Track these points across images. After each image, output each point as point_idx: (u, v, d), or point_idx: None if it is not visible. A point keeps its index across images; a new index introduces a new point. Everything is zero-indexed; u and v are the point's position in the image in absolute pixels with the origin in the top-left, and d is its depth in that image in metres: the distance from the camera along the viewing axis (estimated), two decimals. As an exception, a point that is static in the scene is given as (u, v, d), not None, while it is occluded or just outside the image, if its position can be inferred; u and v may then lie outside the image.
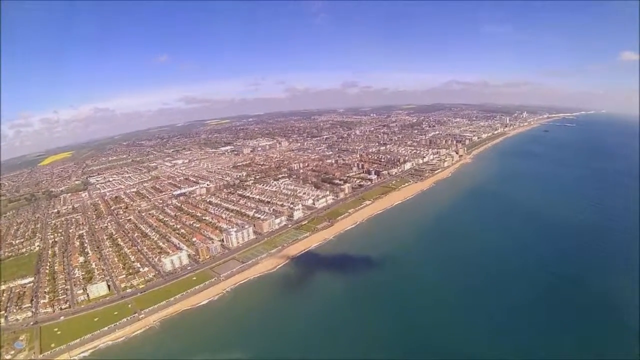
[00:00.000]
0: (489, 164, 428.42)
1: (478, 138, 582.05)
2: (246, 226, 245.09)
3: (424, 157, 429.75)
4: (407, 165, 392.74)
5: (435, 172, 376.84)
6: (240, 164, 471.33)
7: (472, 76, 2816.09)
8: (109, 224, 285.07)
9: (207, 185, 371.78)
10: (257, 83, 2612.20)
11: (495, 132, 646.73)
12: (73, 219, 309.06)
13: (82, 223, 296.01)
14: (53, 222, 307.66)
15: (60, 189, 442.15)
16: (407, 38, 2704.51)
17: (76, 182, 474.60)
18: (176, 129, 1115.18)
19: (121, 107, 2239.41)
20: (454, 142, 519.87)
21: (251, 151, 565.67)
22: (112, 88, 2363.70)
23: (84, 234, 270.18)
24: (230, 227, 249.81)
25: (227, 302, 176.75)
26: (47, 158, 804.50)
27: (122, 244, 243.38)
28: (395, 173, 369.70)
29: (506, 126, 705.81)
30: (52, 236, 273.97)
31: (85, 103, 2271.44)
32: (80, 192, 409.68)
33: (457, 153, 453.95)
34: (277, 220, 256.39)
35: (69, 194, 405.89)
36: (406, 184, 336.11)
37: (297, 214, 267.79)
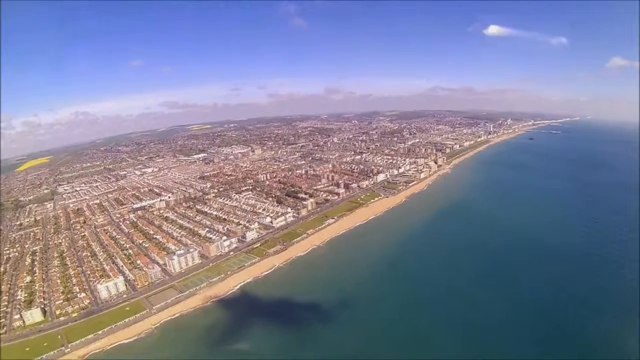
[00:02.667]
0: (470, 175, 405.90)
1: (460, 146, 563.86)
2: (191, 250, 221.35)
3: (400, 167, 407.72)
4: (381, 177, 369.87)
5: (410, 184, 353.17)
6: (208, 173, 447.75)
7: (457, 82, 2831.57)
8: (63, 239, 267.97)
9: (168, 198, 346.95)
10: (238, 88, 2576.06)
11: (479, 140, 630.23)
12: (32, 233, 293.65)
13: (39, 238, 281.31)
14: (13, 235, 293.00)
15: (29, 198, 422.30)
16: (391, 43, 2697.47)
17: (45, 191, 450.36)
18: (157, 134, 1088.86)
19: (103, 110, 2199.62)
20: (434, 150, 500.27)
21: (223, 159, 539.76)
22: (93, 92, 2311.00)
23: (38, 250, 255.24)
24: (177, 248, 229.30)
25: (154, 341, 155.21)
26: (26, 163, 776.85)
27: (69, 263, 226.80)
28: (367, 186, 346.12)
29: (490, 133, 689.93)
30: (8, 251, 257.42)
31: (66, 107, 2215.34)
32: (46, 203, 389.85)
33: (435, 163, 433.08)
34: (227, 243, 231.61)
35: (35, 205, 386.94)
36: (376, 199, 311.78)
37: (251, 235, 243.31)
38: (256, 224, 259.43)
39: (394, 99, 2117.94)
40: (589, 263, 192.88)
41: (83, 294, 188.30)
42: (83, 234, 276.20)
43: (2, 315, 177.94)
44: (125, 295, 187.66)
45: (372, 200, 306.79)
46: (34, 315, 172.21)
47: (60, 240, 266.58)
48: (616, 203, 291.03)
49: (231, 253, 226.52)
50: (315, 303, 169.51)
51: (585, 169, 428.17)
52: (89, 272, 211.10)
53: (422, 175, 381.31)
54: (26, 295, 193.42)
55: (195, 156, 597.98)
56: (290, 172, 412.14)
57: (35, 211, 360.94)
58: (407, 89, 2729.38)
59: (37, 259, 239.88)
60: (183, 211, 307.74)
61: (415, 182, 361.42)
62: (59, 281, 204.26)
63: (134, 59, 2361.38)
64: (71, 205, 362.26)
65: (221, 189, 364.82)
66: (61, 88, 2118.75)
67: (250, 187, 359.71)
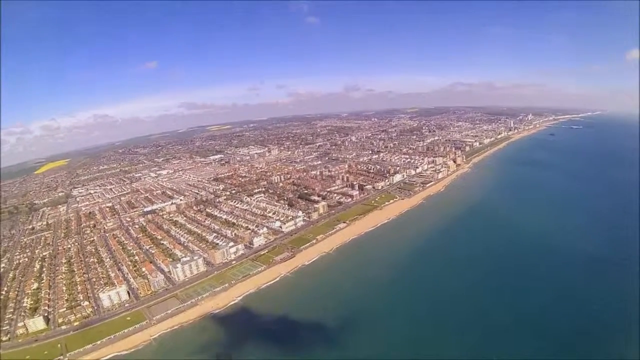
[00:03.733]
0: (489, 175, 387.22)
1: (480, 144, 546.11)
2: (195, 257, 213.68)
3: (418, 167, 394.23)
4: (397, 178, 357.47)
5: (428, 185, 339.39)
6: (223, 175, 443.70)
7: (476, 78, 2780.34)
8: (72, 244, 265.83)
9: (179, 201, 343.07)
10: (256, 88, 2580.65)
11: (499, 137, 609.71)
12: (42, 238, 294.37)
13: (50, 243, 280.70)
14: (25, 239, 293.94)
15: (43, 201, 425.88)
16: (409, 39, 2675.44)
17: (60, 194, 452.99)
18: (176, 135, 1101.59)
19: (122, 113, 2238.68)
20: (453, 149, 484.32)
21: (239, 161, 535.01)
22: (110, 95, 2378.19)
23: (47, 255, 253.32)
24: (183, 255, 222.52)
25: (150, 353, 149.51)
26: (44, 166, 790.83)
27: (76, 270, 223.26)
28: (382, 187, 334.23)
29: (510, 130, 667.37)
30: (19, 256, 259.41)
31: (83, 110, 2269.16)
32: (59, 206, 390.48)
33: (454, 162, 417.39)
34: (233, 250, 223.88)
35: (49, 208, 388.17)
36: (391, 201, 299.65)
37: (258, 241, 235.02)
38: (265, 228, 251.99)
39: (414, 96, 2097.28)
40: (609, 274, 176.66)
41: (86, 302, 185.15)
42: (92, 238, 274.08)
43: (7, 322, 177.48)
44: (127, 305, 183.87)
45: (386, 203, 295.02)
46: (36, 324, 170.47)
47: (69, 246, 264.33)
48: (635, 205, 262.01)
49: (237, 260, 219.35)
50: (318, 320, 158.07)
51: (608, 167, 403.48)
52: (94, 279, 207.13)
53: (440, 176, 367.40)
54: (32, 302, 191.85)
55: (212, 157, 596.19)
56: (304, 173, 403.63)
57: (49, 215, 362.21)
58: (427, 85, 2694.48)
59: (46, 264, 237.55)
60: (193, 215, 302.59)
61: (432, 182, 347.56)
62: (64, 288, 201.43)
63: (149, 60, 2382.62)
64: (83, 209, 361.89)
65: (233, 192, 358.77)
66: (78, 92, 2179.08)
67: (263, 189, 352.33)
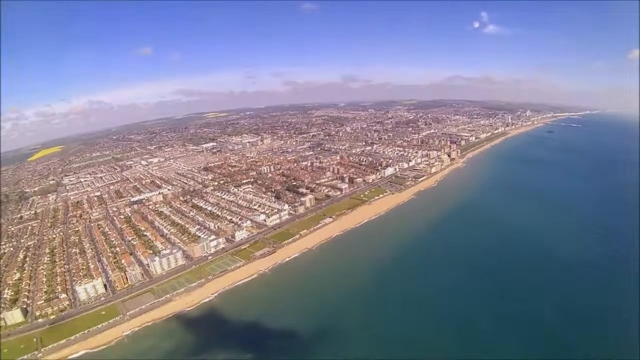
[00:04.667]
0: (483, 171, 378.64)
1: (476, 138, 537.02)
2: (174, 250, 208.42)
3: (411, 160, 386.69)
4: (389, 171, 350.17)
5: (420, 179, 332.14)
6: (213, 164, 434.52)
7: (476, 71, 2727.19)
8: (57, 234, 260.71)
9: (167, 191, 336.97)
10: (252, 76, 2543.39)
11: (496, 132, 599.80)
12: (29, 227, 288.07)
13: (36, 232, 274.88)
14: (12, 229, 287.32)
15: (34, 189, 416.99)
16: (409, 30, 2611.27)
17: (51, 182, 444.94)
18: (172, 122, 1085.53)
19: (118, 99, 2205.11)
20: (448, 142, 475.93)
21: (231, 149, 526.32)
22: (105, 81, 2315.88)
23: (32, 245, 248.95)
24: (164, 247, 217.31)
25: (121, 350, 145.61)
26: (39, 152, 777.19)
27: (57, 260, 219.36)
28: (373, 180, 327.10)
29: (508, 125, 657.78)
30: (4, 246, 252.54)
31: (78, 96, 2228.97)
32: (49, 194, 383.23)
33: (449, 156, 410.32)
34: (214, 243, 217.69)
35: (39, 196, 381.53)
36: (381, 195, 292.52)
37: (240, 235, 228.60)
38: (248, 222, 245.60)
39: (413, 88, 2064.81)
40: (606, 275, 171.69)
41: (64, 295, 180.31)
42: (77, 228, 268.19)
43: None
44: (103, 298, 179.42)
45: (376, 197, 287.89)
46: (14, 316, 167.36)
47: (54, 235, 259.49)
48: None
49: (217, 254, 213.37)
50: (292, 323, 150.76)
51: (607, 167, 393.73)
52: (74, 271, 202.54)
53: (433, 170, 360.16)
54: (12, 293, 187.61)
55: (204, 145, 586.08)
56: (295, 164, 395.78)
57: (38, 203, 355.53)
58: (426, 77, 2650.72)
59: (30, 254, 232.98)
60: (178, 206, 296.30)
61: (425, 177, 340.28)
62: (44, 279, 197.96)
63: (144, 46, 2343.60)
64: (72, 198, 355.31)
65: (222, 182, 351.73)
66: (72, 78, 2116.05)
67: (252, 180, 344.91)
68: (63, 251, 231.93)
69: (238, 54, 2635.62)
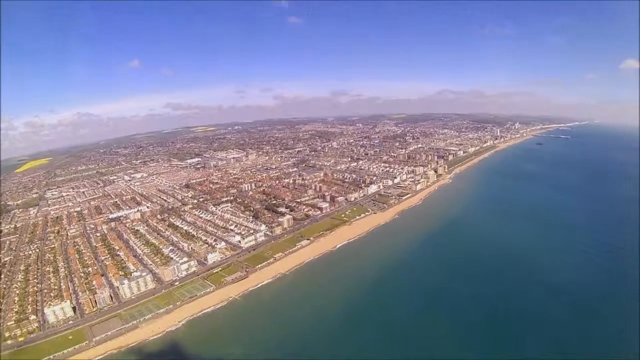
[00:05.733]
0: (470, 188, 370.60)
1: (464, 152, 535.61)
2: (144, 273, 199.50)
3: (396, 177, 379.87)
4: (372, 188, 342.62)
5: (404, 197, 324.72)
6: (195, 181, 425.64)
7: (465, 85, 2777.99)
8: (34, 251, 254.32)
9: (146, 208, 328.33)
10: (241, 90, 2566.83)
11: (484, 145, 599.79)
12: (7, 242, 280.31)
13: (13, 248, 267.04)
14: None
15: (17, 202, 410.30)
16: (398, 45, 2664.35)
17: (34, 196, 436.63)
18: (161, 136, 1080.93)
19: (108, 112, 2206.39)
20: (435, 157, 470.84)
21: (214, 165, 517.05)
22: (93, 93, 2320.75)
23: (8, 262, 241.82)
24: (135, 269, 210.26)
25: None
26: (26, 164, 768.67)
27: (31, 279, 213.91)
28: (355, 199, 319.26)
29: (497, 138, 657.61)
30: None
31: (67, 108, 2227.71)
32: (31, 208, 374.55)
33: (435, 172, 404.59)
34: (185, 266, 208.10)
35: (21, 210, 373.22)
36: (362, 215, 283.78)
37: (213, 257, 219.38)
38: (223, 243, 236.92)
39: (402, 102, 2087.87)
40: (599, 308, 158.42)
41: (33, 316, 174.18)
42: (53, 245, 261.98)
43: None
44: (71, 322, 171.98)
45: (357, 217, 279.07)
46: None
47: (30, 252, 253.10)
48: (632, 224, 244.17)
49: (188, 278, 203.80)
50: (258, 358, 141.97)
51: (598, 180, 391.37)
52: (46, 291, 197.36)
53: (419, 187, 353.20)
54: None
55: (189, 161, 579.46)
56: (277, 181, 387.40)
57: (19, 217, 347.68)
58: (415, 92, 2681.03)
59: (5, 271, 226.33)
60: (155, 224, 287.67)
61: (409, 194, 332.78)
62: (16, 299, 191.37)
63: (131, 60, 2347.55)
64: (52, 213, 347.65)
65: (201, 199, 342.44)
66: (61, 89, 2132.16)
67: (232, 198, 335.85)
68: (37, 269, 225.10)
69: (227, 68, 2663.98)
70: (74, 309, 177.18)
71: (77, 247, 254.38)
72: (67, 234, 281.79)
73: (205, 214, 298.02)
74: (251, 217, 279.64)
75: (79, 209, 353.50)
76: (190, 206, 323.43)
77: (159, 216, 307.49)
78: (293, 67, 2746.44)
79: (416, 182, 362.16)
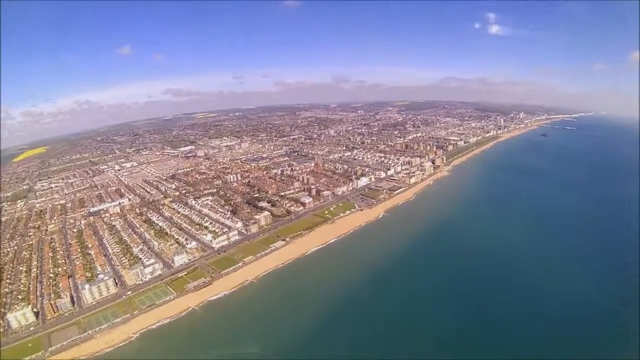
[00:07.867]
0: (468, 183, 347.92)
1: (465, 142, 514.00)
2: (106, 277, 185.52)
3: (390, 168, 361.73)
4: (363, 181, 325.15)
5: (396, 192, 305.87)
6: (182, 171, 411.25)
7: (471, 73, 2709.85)
8: (12, 248, 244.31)
9: (127, 201, 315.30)
10: (240, 76, 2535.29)
11: (487, 135, 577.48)
12: None
13: None
14: None
15: (7, 194, 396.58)
16: (403, 31, 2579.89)
17: (24, 187, 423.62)
18: (160, 123, 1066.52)
19: (107, 99, 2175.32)
20: (434, 147, 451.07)
21: (205, 154, 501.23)
22: (92, 80, 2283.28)
23: None
24: (101, 271, 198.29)
25: None
26: (23, 153, 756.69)
27: (4, 279, 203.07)
28: (343, 193, 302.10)
29: (500, 128, 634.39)
30: None
31: (65, 96, 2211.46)
32: (18, 201, 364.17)
33: (433, 163, 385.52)
34: (149, 269, 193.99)
35: (9, 202, 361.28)
36: (347, 212, 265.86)
37: (180, 260, 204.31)
38: (194, 242, 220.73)
39: (406, 89, 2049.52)
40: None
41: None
42: (31, 242, 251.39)
43: None
44: (32, 328, 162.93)
45: (341, 214, 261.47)
46: None
47: (8, 249, 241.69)
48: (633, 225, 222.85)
49: (152, 282, 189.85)
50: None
51: (606, 177, 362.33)
52: (15, 293, 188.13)
53: (413, 180, 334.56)
54: None
55: (182, 149, 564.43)
56: (265, 172, 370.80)
57: (5, 210, 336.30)
58: (419, 78, 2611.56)
59: None
60: (132, 219, 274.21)
61: (402, 189, 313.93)
62: None
63: (125, 46, 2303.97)
64: (37, 205, 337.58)
65: (184, 191, 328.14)
66: (58, 77, 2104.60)
67: (214, 191, 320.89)
68: (12, 268, 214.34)
69: (224, 54, 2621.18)
70: (37, 314, 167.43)
71: (52, 244, 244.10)
72: (47, 230, 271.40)
73: (183, 208, 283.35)
74: (229, 213, 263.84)
75: (63, 201, 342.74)
76: (171, 199, 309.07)
77: (137, 210, 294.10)
78: (292, 52, 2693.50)
79: (411, 174, 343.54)
